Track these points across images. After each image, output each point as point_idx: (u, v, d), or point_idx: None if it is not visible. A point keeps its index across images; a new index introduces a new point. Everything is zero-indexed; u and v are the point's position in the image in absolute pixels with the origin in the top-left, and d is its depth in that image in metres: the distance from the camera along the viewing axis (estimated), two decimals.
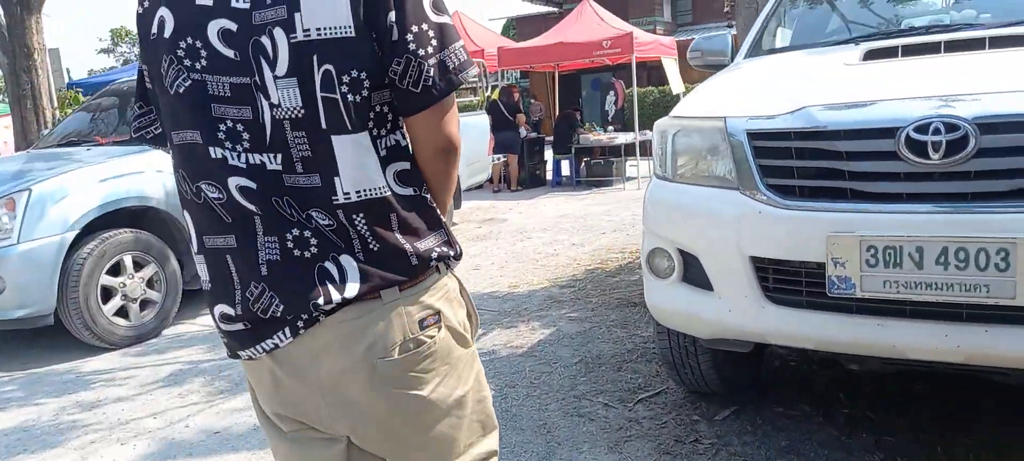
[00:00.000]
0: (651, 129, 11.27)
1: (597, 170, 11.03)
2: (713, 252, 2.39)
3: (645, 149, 11.44)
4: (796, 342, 2.28)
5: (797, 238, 2.17)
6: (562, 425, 2.99)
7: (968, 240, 1.92)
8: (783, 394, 3.10)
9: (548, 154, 12.06)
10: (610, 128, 13.30)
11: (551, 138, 12.22)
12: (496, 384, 3.42)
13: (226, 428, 3.20)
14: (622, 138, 11.26)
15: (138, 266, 4.59)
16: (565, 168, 11.68)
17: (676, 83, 12.64)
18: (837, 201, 2.13)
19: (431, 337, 1.22)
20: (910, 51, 2.52)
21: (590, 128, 12.14)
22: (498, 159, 10.87)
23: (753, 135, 2.31)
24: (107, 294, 4.44)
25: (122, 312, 4.52)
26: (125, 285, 4.49)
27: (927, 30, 3.03)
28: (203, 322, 4.96)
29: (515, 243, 6.93)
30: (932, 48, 2.50)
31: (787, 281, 2.25)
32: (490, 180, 10.82)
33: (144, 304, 4.63)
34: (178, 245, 4.88)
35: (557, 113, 14.32)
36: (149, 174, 4.68)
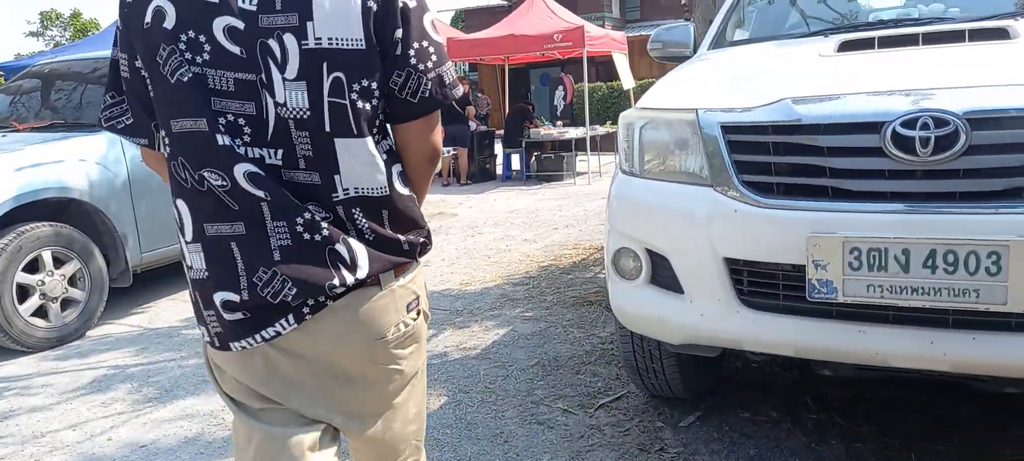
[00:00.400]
0: (601, 124, 11.23)
1: (547, 165, 10.89)
2: (684, 253, 2.24)
3: (595, 144, 11.36)
4: (772, 349, 2.15)
5: (775, 239, 2.04)
6: (520, 434, 2.82)
7: (957, 243, 1.80)
8: (748, 397, 2.98)
9: (498, 148, 11.88)
10: (559, 123, 13.19)
11: (501, 132, 12.05)
12: (449, 390, 3.23)
13: (153, 441, 2.93)
14: (572, 133, 11.15)
15: (59, 262, 4.25)
16: (515, 162, 11.51)
17: (626, 79, 12.57)
18: (818, 200, 2.00)
19: (414, 320, 1.34)
20: (887, 43, 2.41)
21: (540, 122, 12.01)
22: (448, 152, 10.65)
23: (727, 128, 2.17)
24: (24, 293, 4.09)
25: (41, 312, 4.18)
26: (44, 283, 4.14)
27: (897, 23, 2.95)
28: (131, 322, 4.64)
29: (466, 239, 6.74)
30: (910, 40, 2.40)
31: (763, 284, 2.12)
32: (440, 173, 10.60)
33: (66, 303, 4.29)
34: (103, 239, 4.55)
35: (506, 107, 14.15)
36: (71, 163, 4.33)
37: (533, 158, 11.14)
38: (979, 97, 1.86)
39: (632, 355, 2.80)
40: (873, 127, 1.94)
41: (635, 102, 9.68)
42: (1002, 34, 2.29)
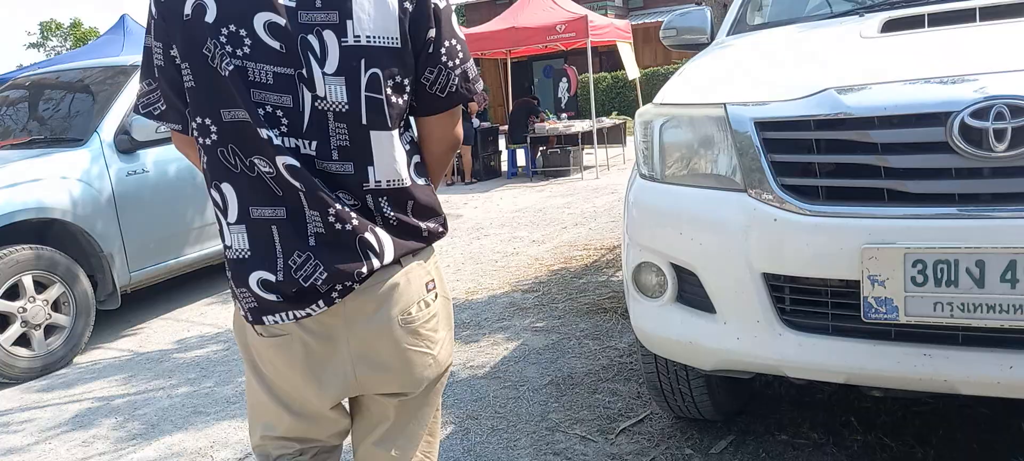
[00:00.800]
0: (607, 116, 10.91)
1: (554, 160, 10.62)
2: (715, 267, 1.98)
3: (603, 137, 11.07)
4: (820, 375, 1.88)
5: (823, 251, 1.77)
6: None
7: None
8: (783, 415, 2.72)
9: (502, 144, 11.62)
10: (563, 116, 12.91)
11: (504, 127, 11.78)
12: (456, 416, 2.98)
13: None
14: (579, 126, 10.86)
15: (41, 287, 4.01)
16: (520, 158, 11.24)
17: (631, 69, 12.26)
18: (872, 205, 1.73)
19: (433, 300, 1.40)
20: (938, 20, 2.13)
21: (545, 116, 11.73)
22: None
23: (763, 125, 1.90)
24: (4, 321, 3.85)
25: (24, 340, 3.94)
26: (25, 310, 3.90)
27: None
28: (122, 345, 4.40)
29: (471, 242, 6.48)
30: (964, 16, 2.11)
31: (809, 303, 1.86)
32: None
33: (50, 330, 4.05)
34: (90, 261, 4.31)
35: (509, 101, 13.87)
36: (50, 182, 4.09)
37: (539, 153, 10.87)
38: None
39: (656, 376, 2.54)
40: (936, 118, 1.66)
41: (640, 92, 9.34)
42: None
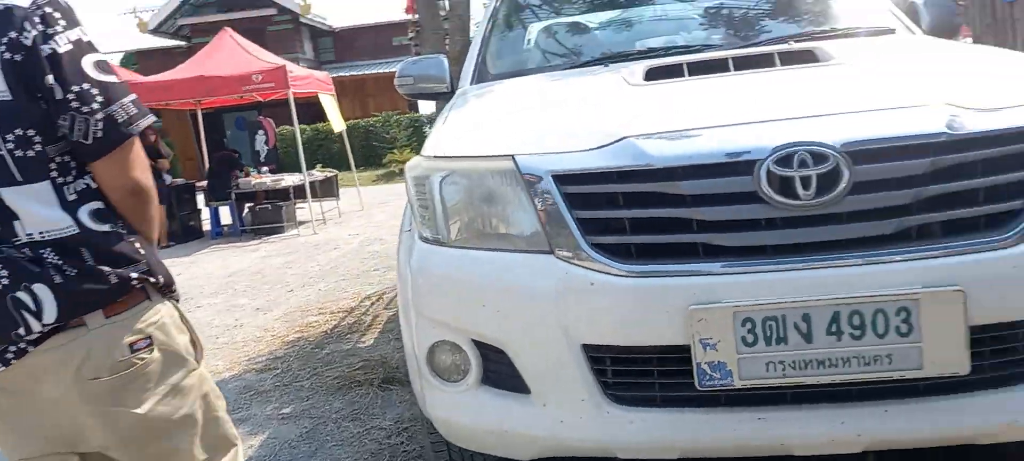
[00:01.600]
0: (314, 170, 10.41)
1: (264, 216, 9.83)
2: (527, 342, 1.74)
3: (314, 190, 10.53)
4: (655, 453, 1.72)
5: (648, 316, 1.62)
6: None
7: (862, 301, 1.52)
8: None
9: (201, 201, 10.52)
10: (264, 169, 12.11)
11: (202, 183, 10.71)
12: None
13: None
14: (289, 180, 10.22)
15: None
16: (225, 216, 10.26)
17: (336, 120, 11.90)
18: (692, 262, 1.63)
19: (142, 359, 1.33)
20: (698, 69, 2.13)
21: (249, 171, 10.88)
22: None
23: (562, 178, 1.71)
24: None
25: None
26: None
27: (667, 51, 2.74)
28: None
29: None
30: (718, 66, 2.13)
31: (635, 374, 1.70)
32: None
33: None
34: None
35: (204, 155, 12.70)
36: None
37: (246, 210, 10.00)
38: (857, 125, 1.61)
39: None
40: (743, 167, 1.60)
41: (348, 145, 9.11)
42: (810, 57, 2.12)
